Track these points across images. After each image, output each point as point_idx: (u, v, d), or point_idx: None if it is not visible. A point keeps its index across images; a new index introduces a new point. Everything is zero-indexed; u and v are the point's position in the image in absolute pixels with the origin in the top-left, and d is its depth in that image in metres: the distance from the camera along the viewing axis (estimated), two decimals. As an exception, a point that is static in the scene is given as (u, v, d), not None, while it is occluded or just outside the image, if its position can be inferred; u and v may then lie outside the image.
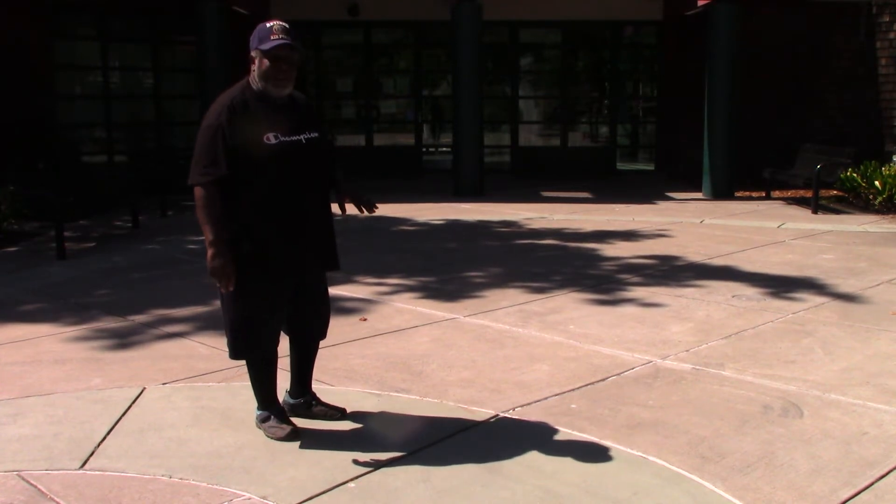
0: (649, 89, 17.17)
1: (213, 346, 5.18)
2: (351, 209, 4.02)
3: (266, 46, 3.49)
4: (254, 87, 3.58)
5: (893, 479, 3.41)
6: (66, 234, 8.31)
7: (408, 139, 16.67)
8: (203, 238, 3.58)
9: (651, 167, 16.68)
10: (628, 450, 3.67)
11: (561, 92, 16.74)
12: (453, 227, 10.16)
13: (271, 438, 3.75)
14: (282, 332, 3.84)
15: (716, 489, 3.31)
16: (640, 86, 17.66)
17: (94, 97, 14.49)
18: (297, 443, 3.71)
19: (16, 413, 4.07)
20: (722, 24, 12.52)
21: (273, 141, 3.51)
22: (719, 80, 12.66)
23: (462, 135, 13.07)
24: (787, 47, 14.34)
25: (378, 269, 7.34)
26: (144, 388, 4.42)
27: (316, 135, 3.68)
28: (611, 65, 16.99)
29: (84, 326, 5.66)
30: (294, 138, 3.58)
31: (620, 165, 16.46)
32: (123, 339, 5.36)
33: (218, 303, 6.17)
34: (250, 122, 3.49)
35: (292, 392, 4.02)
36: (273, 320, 3.71)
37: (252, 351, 3.73)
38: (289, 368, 4.03)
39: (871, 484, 3.36)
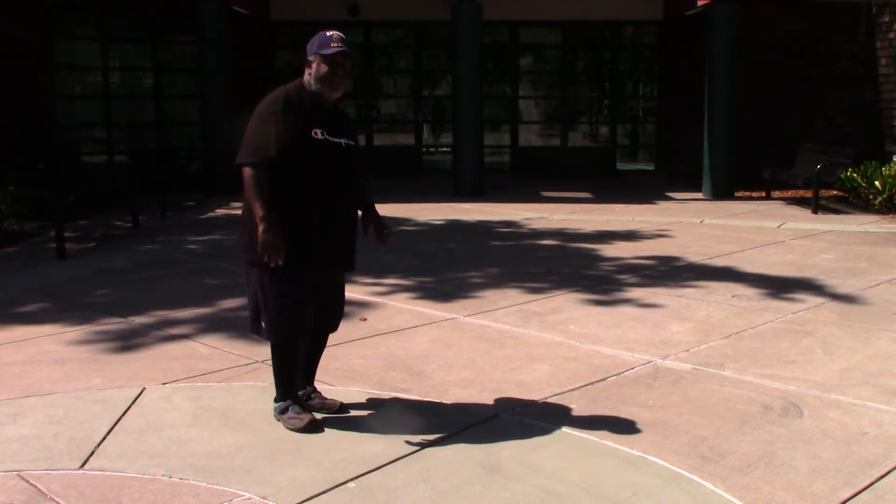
0: (649, 89, 17.17)
1: (214, 347, 5.18)
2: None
3: (327, 52, 3.76)
4: (307, 88, 3.82)
5: (893, 479, 3.41)
6: (66, 234, 8.31)
7: (408, 139, 16.67)
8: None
9: (651, 167, 16.67)
10: (628, 450, 3.67)
11: (561, 92, 16.73)
12: (453, 227, 10.16)
13: (290, 430, 3.82)
14: None
15: (716, 489, 3.31)
16: (640, 86, 17.66)
17: (94, 97, 14.49)
18: (298, 443, 3.71)
19: (16, 413, 4.07)
20: (722, 24, 12.52)
21: (320, 137, 3.75)
22: (719, 79, 12.66)
23: (462, 135, 13.07)
24: (787, 47, 14.34)
25: (378, 269, 7.34)
26: (144, 388, 4.42)
27: (353, 143, 3.92)
28: (611, 65, 16.99)
29: (84, 327, 5.66)
30: (336, 140, 3.82)
31: (620, 165, 16.45)
32: (123, 340, 5.36)
33: (219, 303, 6.23)
34: (302, 116, 3.73)
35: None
36: (306, 307, 3.82)
37: (290, 332, 3.80)
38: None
39: (871, 484, 3.36)
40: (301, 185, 3.70)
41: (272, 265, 3.65)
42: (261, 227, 3.61)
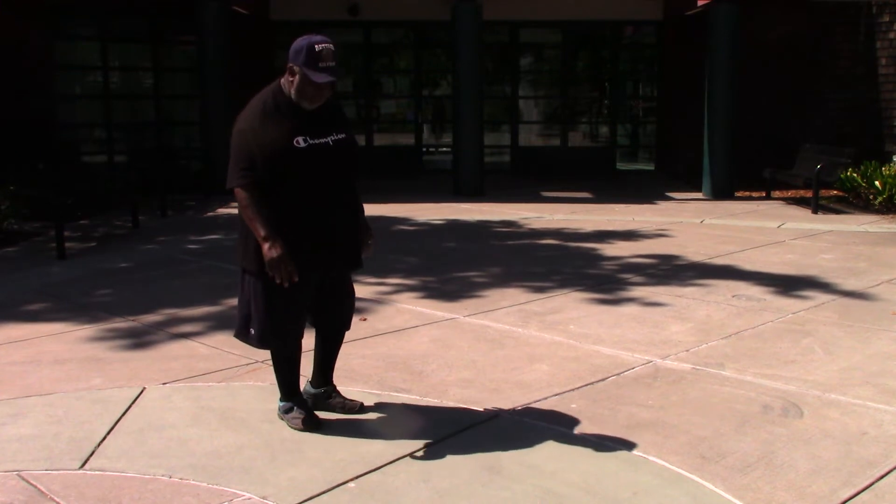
0: (649, 89, 17.16)
1: (214, 346, 5.18)
2: None
3: (316, 79, 3.54)
4: (285, 93, 3.66)
5: (893, 479, 3.41)
6: (67, 233, 8.31)
7: (408, 139, 16.67)
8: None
9: (651, 167, 16.68)
10: (628, 450, 3.67)
11: (561, 92, 16.73)
12: (453, 227, 10.16)
13: (294, 429, 3.83)
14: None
15: (716, 489, 3.31)
16: (640, 86, 17.66)
17: (94, 97, 14.50)
18: (298, 443, 3.71)
19: (16, 413, 4.07)
20: (722, 23, 12.52)
21: (302, 145, 3.60)
22: (719, 79, 12.66)
23: (462, 135, 13.07)
24: (787, 47, 14.34)
25: (378, 269, 7.34)
26: (144, 388, 4.42)
27: (343, 135, 3.76)
28: (611, 65, 16.99)
29: (84, 326, 5.66)
30: (322, 140, 3.67)
31: (620, 165, 16.44)
32: (123, 339, 5.36)
33: (220, 303, 6.23)
34: (281, 126, 3.59)
35: (314, 381, 4.12)
36: (299, 314, 3.79)
37: (280, 341, 3.79)
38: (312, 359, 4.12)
39: (871, 484, 3.36)
40: (294, 194, 3.61)
41: (285, 284, 3.56)
42: (265, 247, 3.52)
